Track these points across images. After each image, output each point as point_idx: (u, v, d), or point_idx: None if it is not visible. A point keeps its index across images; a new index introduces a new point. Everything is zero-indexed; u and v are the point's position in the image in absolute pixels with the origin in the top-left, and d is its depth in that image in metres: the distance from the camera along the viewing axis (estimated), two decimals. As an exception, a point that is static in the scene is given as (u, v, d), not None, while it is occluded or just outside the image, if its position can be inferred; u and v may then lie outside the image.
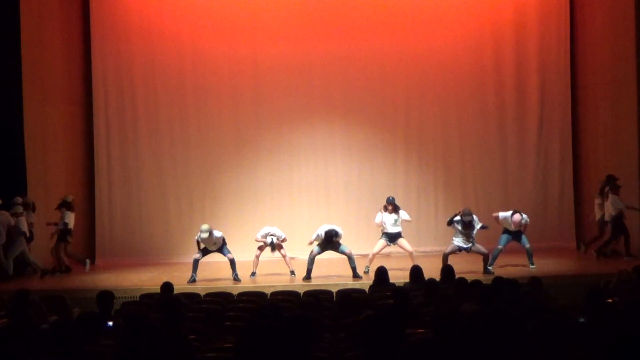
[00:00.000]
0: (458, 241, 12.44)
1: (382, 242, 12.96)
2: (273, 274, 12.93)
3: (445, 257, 12.32)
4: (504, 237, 12.82)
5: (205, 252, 12.49)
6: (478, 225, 12.46)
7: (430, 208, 16.13)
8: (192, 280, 12.19)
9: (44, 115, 14.91)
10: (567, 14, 16.06)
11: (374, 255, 12.94)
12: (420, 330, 6.11)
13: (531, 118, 16.11)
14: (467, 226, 12.36)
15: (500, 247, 12.72)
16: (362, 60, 15.97)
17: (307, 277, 12.24)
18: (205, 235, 12.26)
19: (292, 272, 12.72)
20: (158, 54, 15.97)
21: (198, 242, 12.51)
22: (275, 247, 12.51)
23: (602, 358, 3.80)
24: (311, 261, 12.34)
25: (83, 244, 15.94)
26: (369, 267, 12.80)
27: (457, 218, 12.42)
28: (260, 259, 12.83)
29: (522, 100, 16.12)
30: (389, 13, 16.04)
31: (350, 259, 12.34)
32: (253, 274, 12.70)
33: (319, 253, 12.45)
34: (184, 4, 16.08)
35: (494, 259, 12.64)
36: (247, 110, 16.10)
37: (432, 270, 10.61)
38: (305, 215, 15.04)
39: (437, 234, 15.81)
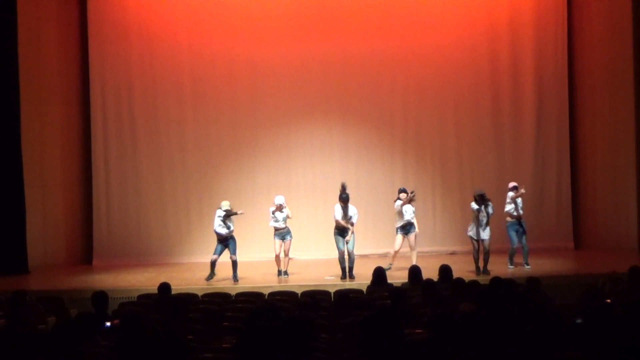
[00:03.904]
0: (474, 232, 12.44)
1: (400, 237, 12.83)
2: (271, 273, 12.92)
3: (475, 259, 12.45)
4: (513, 234, 12.90)
5: (220, 249, 12.48)
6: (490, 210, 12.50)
7: (427, 208, 16.10)
8: (211, 278, 12.31)
9: (41, 116, 14.91)
10: (565, 13, 16.06)
11: (396, 253, 12.84)
12: (418, 331, 6.11)
13: (528, 118, 16.10)
14: (483, 201, 12.35)
15: (514, 246, 12.87)
16: (359, 61, 15.96)
17: (344, 276, 12.26)
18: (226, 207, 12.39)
19: (285, 273, 12.77)
20: (155, 54, 15.95)
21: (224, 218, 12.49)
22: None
23: (599, 358, 3.81)
24: (342, 260, 12.33)
25: (80, 245, 15.94)
26: (392, 264, 12.83)
27: (474, 205, 12.45)
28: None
29: (519, 100, 16.11)
30: (386, 14, 16.02)
31: (350, 258, 12.36)
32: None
33: (343, 248, 12.34)
34: (182, 6, 16.05)
35: (511, 257, 12.84)
36: (245, 110, 16.08)
37: (429, 271, 10.60)
38: (303, 216, 15.02)
39: (434, 234, 15.81)
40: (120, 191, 15.96)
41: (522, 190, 12.97)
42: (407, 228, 12.81)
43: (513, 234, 12.91)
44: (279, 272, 12.82)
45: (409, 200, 12.72)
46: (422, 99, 16.09)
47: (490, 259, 12.54)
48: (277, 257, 12.87)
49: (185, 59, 16.02)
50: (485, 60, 16.09)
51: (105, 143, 15.92)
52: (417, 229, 12.93)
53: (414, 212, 12.89)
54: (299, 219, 14.80)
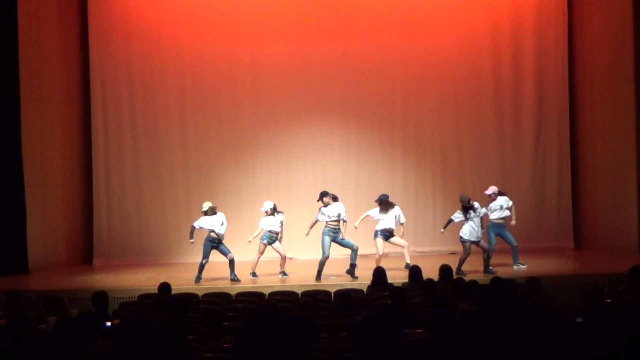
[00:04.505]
0: (467, 234, 12.43)
1: (381, 241, 12.82)
2: (271, 274, 12.92)
3: (461, 260, 12.39)
4: (492, 236, 12.84)
5: (210, 251, 12.45)
6: (482, 210, 12.58)
7: (428, 208, 16.13)
8: (199, 280, 12.24)
9: (42, 116, 14.91)
10: (565, 13, 16.06)
11: (380, 257, 12.70)
12: (418, 331, 6.11)
13: (529, 118, 16.11)
14: (468, 209, 12.41)
15: (493, 247, 12.75)
16: (360, 61, 15.96)
17: (318, 277, 12.30)
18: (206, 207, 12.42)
19: (284, 273, 12.73)
20: (156, 54, 15.95)
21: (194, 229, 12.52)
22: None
23: (600, 358, 3.81)
24: (322, 264, 12.36)
25: (81, 245, 15.94)
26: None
27: (457, 215, 12.50)
28: (259, 258, 12.83)
29: (519, 100, 16.11)
30: (387, 14, 16.03)
31: (354, 252, 12.37)
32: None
33: (328, 252, 12.41)
34: (182, 5, 16.06)
35: (488, 261, 12.66)
36: (246, 110, 16.10)
37: (429, 271, 10.60)
38: (303, 215, 15.00)
39: (434, 234, 15.78)
40: (120, 191, 15.97)
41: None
42: (385, 234, 12.79)
43: (493, 236, 12.82)
44: (253, 274, 12.78)
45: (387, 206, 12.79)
46: (423, 98, 16.09)
47: (493, 260, 12.54)
48: (258, 260, 12.84)
49: (186, 59, 16.04)
50: (485, 60, 16.09)
51: (106, 143, 15.93)
52: (405, 243, 12.94)
53: (397, 219, 12.85)
54: (300, 218, 14.81)
